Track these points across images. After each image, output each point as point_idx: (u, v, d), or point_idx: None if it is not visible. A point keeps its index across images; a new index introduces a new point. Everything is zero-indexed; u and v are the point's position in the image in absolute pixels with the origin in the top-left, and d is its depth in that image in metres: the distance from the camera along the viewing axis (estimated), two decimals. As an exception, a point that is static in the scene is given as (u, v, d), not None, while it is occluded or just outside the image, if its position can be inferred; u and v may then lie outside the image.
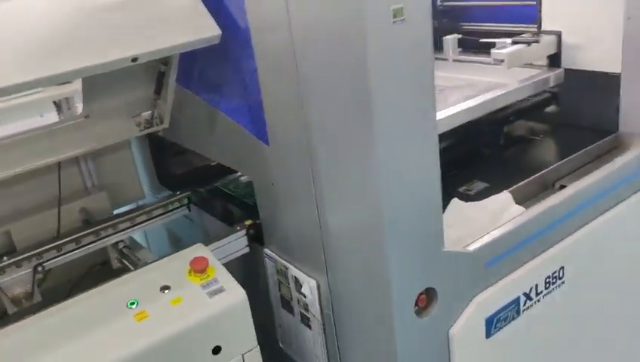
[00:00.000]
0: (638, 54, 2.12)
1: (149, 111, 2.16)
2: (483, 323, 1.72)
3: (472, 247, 1.65)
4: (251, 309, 1.64)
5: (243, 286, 1.64)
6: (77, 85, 2.11)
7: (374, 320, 1.58)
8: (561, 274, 1.92)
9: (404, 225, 1.45)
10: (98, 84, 1.95)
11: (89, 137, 2.09)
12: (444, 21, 2.83)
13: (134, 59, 1.53)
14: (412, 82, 1.35)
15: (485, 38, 2.52)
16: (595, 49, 2.24)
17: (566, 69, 2.35)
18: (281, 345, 2.07)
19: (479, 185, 2.09)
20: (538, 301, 1.87)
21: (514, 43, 2.32)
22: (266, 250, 1.92)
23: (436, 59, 2.61)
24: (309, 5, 1.35)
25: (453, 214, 1.80)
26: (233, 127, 1.84)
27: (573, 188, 1.92)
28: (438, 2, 2.80)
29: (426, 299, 1.58)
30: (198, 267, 1.64)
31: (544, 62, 2.38)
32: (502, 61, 2.24)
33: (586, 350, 2.12)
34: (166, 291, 1.61)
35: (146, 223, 2.16)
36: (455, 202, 1.84)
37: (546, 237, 1.85)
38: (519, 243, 1.77)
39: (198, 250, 1.73)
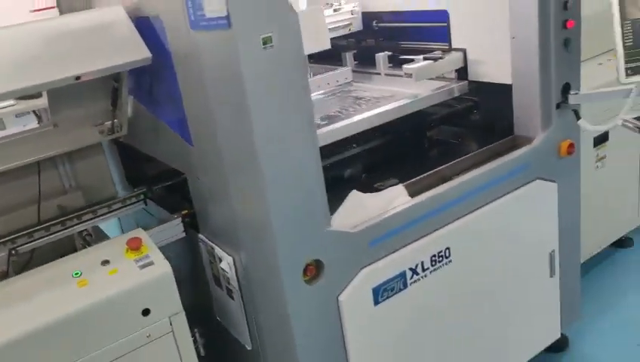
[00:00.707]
0: (523, 68, 2.47)
1: (110, 121, 2.56)
2: (370, 292, 2.08)
3: (355, 228, 2.01)
4: (198, 288, 2.00)
5: (193, 269, 2.00)
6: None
7: (271, 288, 1.94)
8: (447, 254, 2.27)
9: (288, 210, 1.81)
10: (62, 98, 2.35)
11: (59, 142, 2.49)
12: (380, 40, 3.19)
13: (77, 78, 1.92)
14: (287, 96, 1.73)
15: (411, 54, 2.87)
16: (492, 63, 2.60)
17: (472, 81, 2.70)
18: (217, 318, 2.44)
19: (392, 182, 2.43)
20: (425, 276, 2.22)
21: (425, 59, 2.68)
22: (200, 235, 2.30)
23: (371, 73, 3.02)
24: (206, 38, 1.73)
25: (351, 202, 2.16)
26: (170, 133, 2.23)
27: (456, 181, 2.27)
28: (374, 24, 3.17)
29: (315, 269, 1.94)
30: (133, 245, 2.02)
31: (453, 75, 2.73)
32: (411, 75, 2.61)
33: (470, 322, 2.45)
34: (106, 264, 1.99)
35: (107, 215, 2.55)
36: (354, 193, 2.20)
37: (431, 221, 2.21)
38: (402, 226, 2.12)
39: (137, 234, 2.11)
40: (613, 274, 3.59)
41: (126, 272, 1.96)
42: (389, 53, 3.01)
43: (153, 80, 2.24)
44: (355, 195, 2.19)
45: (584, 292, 3.37)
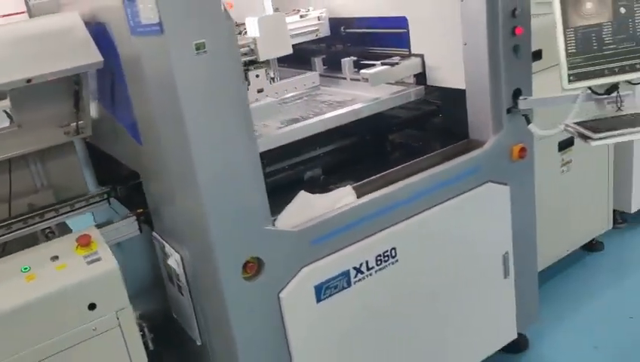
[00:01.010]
0: (475, 73, 2.52)
1: (75, 122, 2.64)
2: (312, 289, 2.14)
3: (296, 228, 2.07)
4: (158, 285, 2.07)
5: (153, 266, 2.05)
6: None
7: (212, 285, 2.01)
8: (393, 254, 2.33)
9: (224, 210, 1.89)
10: (24, 99, 2.43)
11: (23, 142, 2.57)
12: (348, 45, 3.26)
13: (28, 80, 2.01)
14: (222, 100, 1.80)
15: (377, 59, 2.93)
16: (448, 69, 2.66)
17: (434, 86, 2.76)
18: (174, 315, 2.51)
19: (347, 183, 2.50)
20: (370, 275, 2.28)
21: (383, 64, 2.75)
22: (154, 233, 2.37)
23: (338, 77, 3.08)
24: (143, 44, 1.81)
25: (299, 202, 2.23)
26: (125, 134, 2.30)
27: (403, 182, 2.33)
28: (342, 30, 3.23)
29: (256, 266, 2.01)
30: (83, 242, 2.10)
31: (412, 80, 2.80)
32: (367, 80, 2.68)
33: (420, 321, 2.50)
34: (55, 260, 2.07)
35: (69, 214, 2.62)
36: (302, 193, 2.27)
37: (377, 221, 2.27)
38: (346, 226, 2.19)
39: (89, 231, 2.19)
40: (580, 277, 3.63)
41: (73, 267, 2.04)
42: (355, 58, 3.07)
43: (110, 83, 2.32)
44: (302, 196, 2.26)
45: (550, 295, 3.45)
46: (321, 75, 3.18)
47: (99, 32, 2.14)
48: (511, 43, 2.44)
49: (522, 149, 2.61)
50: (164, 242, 2.28)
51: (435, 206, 2.43)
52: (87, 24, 2.18)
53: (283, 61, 3.51)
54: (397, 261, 2.34)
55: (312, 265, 2.13)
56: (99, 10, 2.11)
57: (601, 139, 2.15)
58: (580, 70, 2.27)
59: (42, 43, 2.10)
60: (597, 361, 2.96)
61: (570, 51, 2.26)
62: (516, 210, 2.69)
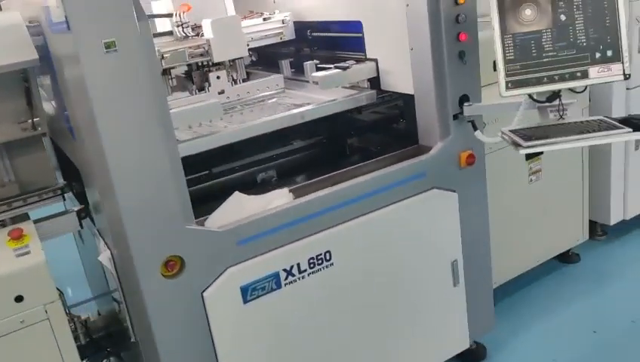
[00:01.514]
0: (421, 78, 2.51)
1: (31, 119, 2.70)
2: (238, 290, 2.15)
3: (221, 228, 2.09)
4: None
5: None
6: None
7: (133, 282, 2.03)
8: (327, 257, 2.32)
9: (140, 208, 1.91)
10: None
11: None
12: (315, 49, 3.27)
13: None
14: (136, 99, 1.82)
15: (339, 62, 2.93)
16: (399, 74, 2.65)
17: (384, 90, 2.75)
18: (117, 310, 2.54)
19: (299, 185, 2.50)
20: (302, 277, 2.28)
21: (336, 68, 2.75)
22: (94, 230, 2.41)
23: (302, 81, 3.09)
24: (59, 41, 1.85)
25: (231, 203, 2.24)
26: (64, 128, 2.35)
27: (340, 186, 2.33)
28: (308, 33, 3.24)
29: (178, 265, 2.03)
30: (14, 235, 2.14)
31: (366, 84, 2.79)
32: (316, 83, 2.68)
33: (360, 327, 2.48)
34: (-14, 252, 2.11)
35: (22, 208, 2.67)
36: (236, 194, 2.28)
37: (310, 224, 2.26)
38: (276, 227, 2.19)
39: (25, 225, 2.24)
40: (551, 288, 3.56)
41: (1, 260, 2.08)
42: (317, 61, 3.07)
43: (52, 80, 2.37)
44: (235, 196, 2.27)
45: (517, 305, 3.40)
46: (289, 79, 3.19)
47: (38, 31, 2.19)
48: (456, 49, 2.42)
49: (470, 156, 2.58)
50: (100, 239, 2.31)
51: (375, 210, 2.41)
52: (30, 23, 2.23)
53: (257, 64, 3.57)
54: (332, 264, 2.34)
55: (238, 266, 2.14)
56: (35, 9, 2.16)
57: (530, 147, 2.11)
58: (518, 77, 2.24)
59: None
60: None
61: (508, 58, 2.23)
62: (466, 217, 2.66)
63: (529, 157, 3.30)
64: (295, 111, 2.55)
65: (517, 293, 3.54)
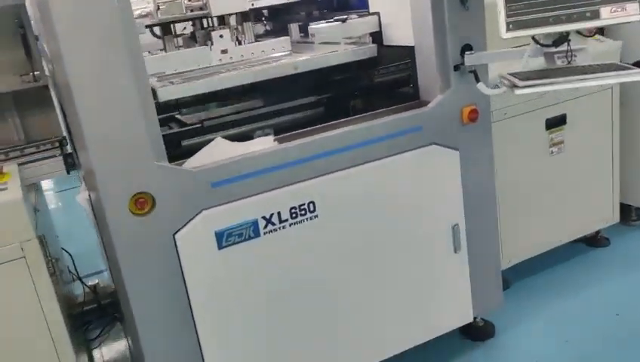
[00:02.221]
0: (421, 28, 2.38)
1: (31, 72, 2.72)
2: (212, 234, 2.06)
3: (195, 168, 2.01)
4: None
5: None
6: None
7: (103, 218, 1.98)
8: (311, 208, 2.21)
9: (108, 142, 1.85)
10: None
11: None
12: (324, 11, 3.18)
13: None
14: (101, 28, 1.77)
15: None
16: (401, 26, 2.52)
17: (387, 45, 2.63)
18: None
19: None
20: (283, 227, 2.17)
21: (335, 21, 2.65)
22: (80, 175, 2.38)
23: (309, 42, 2.98)
24: None
25: (212, 147, 2.17)
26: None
27: (325, 134, 2.21)
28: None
29: (148, 202, 1.96)
30: (-6, 173, 2.14)
31: (368, 39, 2.67)
32: (314, 35, 2.58)
33: (345, 287, 2.36)
34: (-34, 187, 2.11)
35: (19, 158, 2.68)
36: (217, 139, 2.21)
37: (293, 171, 2.16)
38: (254, 172, 2.10)
39: (8, 165, 2.23)
40: (575, 271, 3.33)
41: (-22, 194, 2.08)
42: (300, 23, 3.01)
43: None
44: (217, 141, 2.20)
45: (538, 285, 3.20)
46: (297, 42, 3.11)
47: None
48: (457, -7, 2.28)
49: (473, 111, 2.42)
50: (82, 181, 2.28)
51: (365, 163, 2.29)
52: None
53: (270, 33, 3.50)
54: (316, 216, 2.22)
55: (213, 209, 2.06)
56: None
57: (526, 87, 1.95)
58: (520, 18, 2.08)
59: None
60: (562, 355, 2.68)
61: (508, -3, 2.07)
62: (469, 178, 2.50)
63: (549, 126, 3.09)
64: (285, 60, 2.45)
65: (538, 274, 3.33)
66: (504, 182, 3.00)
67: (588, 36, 2.14)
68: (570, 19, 2.06)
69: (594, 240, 3.55)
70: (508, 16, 2.08)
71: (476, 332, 2.84)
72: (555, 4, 2.06)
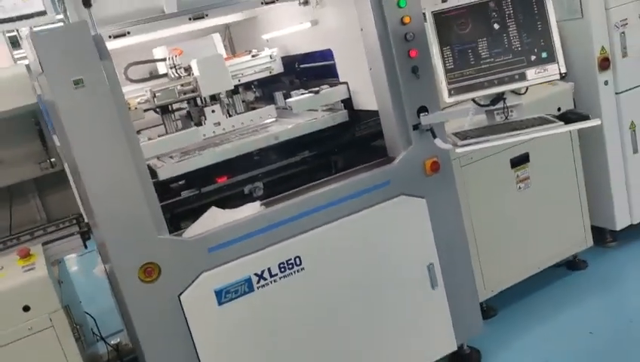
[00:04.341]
0: (381, 95, 2.73)
1: (48, 159, 3.11)
2: (212, 293, 2.39)
3: (192, 237, 2.35)
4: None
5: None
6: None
7: (118, 288, 2.31)
8: (298, 262, 2.53)
9: (116, 222, 2.20)
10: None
11: (3, 176, 3.05)
12: (304, 79, 3.55)
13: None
14: (104, 125, 2.14)
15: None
16: (367, 93, 2.87)
17: (357, 110, 2.99)
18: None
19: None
20: (274, 281, 2.50)
21: (309, 93, 3.01)
22: (96, 249, 2.73)
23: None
24: (43, 81, 2.20)
25: (207, 216, 2.51)
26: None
27: (307, 195, 2.55)
28: (296, 65, 3.53)
29: (155, 270, 2.30)
30: (22, 254, 2.49)
31: (340, 105, 3.03)
32: (291, 108, 2.95)
33: (335, 328, 2.65)
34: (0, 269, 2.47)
35: (42, 237, 3.04)
36: (212, 208, 2.55)
37: (279, 231, 2.49)
38: (245, 235, 2.43)
39: (32, 246, 2.58)
40: (555, 294, 3.60)
41: (11, 275, 2.43)
42: (284, 91, 3.37)
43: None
44: (211, 210, 2.54)
45: (520, 311, 3.47)
46: (283, 108, 3.47)
47: (37, 76, 2.58)
48: (408, 65, 2.63)
49: (434, 163, 2.75)
50: (98, 256, 2.63)
51: (343, 217, 2.61)
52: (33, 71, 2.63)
53: (261, 100, 3.87)
54: (302, 269, 2.54)
55: (212, 271, 2.39)
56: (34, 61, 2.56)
57: (464, 145, 2.28)
58: (460, 84, 2.43)
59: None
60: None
61: (448, 67, 2.43)
62: (438, 222, 2.81)
63: (514, 165, 3.41)
64: (266, 134, 2.81)
65: (522, 300, 3.59)
66: (479, 219, 3.33)
67: (522, 94, 2.46)
68: (502, 82, 2.41)
69: (573, 264, 3.82)
70: (449, 83, 2.44)
71: (463, 359, 3.11)
72: (489, 70, 2.42)
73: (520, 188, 3.45)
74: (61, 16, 2.47)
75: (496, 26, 2.41)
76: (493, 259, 3.39)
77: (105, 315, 3.71)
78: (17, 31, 2.65)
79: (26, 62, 2.92)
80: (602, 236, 3.97)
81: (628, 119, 3.72)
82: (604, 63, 3.59)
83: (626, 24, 3.59)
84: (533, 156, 3.44)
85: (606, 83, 3.63)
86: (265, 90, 3.83)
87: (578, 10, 3.56)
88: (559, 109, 3.42)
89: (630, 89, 3.69)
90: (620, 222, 3.85)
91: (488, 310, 3.50)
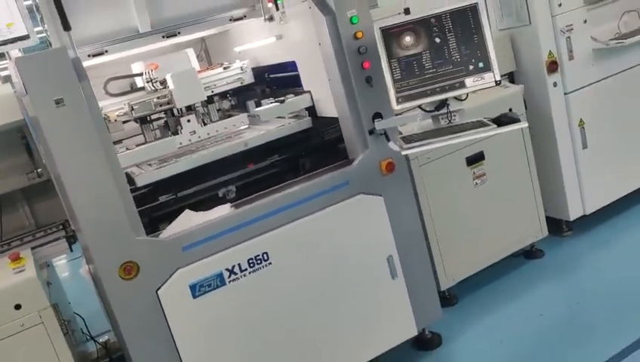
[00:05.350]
0: (339, 103, 2.99)
1: (34, 170, 3.34)
2: (187, 287, 2.64)
3: (167, 237, 2.60)
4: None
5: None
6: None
7: (101, 286, 2.56)
8: (265, 257, 2.79)
9: (98, 225, 2.44)
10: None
11: (-6, 187, 3.29)
12: (274, 88, 3.80)
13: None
14: (83, 139, 2.38)
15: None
16: (328, 101, 3.13)
17: (320, 116, 3.24)
18: (107, 318, 3.07)
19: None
20: (244, 275, 2.75)
21: (276, 102, 3.26)
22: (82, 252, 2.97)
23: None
24: (27, 101, 2.44)
25: (182, 218, 2.75)
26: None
27: (271, 197, 2.80)
28: (266, 75, 3.78)
29: (134, 269, 2.54)
30: (13, 258, 2.74)
31: (305, 113, 3.29)
32: (259, 116, 3.20)
33: (303, 317, 2.90)
34: (-8, 272, 2.71)
35: (32, 242, 3.27)
36: (186, 211, 2.79)
37: (246, 230, 2.74)
38: (215, 234, 2.68)
39: (22, 250, 2.82)
40: (513, 282, 3.87)
41: (2, 276, 2.67)
42: (256, 100, 3.60)
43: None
44: (185, 213, 2.79)
45: (480, 298, 3.74)
46: (254, 116, 3.71)
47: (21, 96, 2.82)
48: (362, 75, 2.89)
49: (389, 164, 3.01)
50: (83, 255, 2.87)
51: (306, 215, 2.87)
52: (18, 91, 2.87)
53: (236, 108, 4.11)
54: (270, 264, 2.80)
55: (186, 268, 2.64)
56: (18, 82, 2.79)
57: (408, 148, 2.54)
58: (406, 93, 2.70)
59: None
60: (496, 352, 3.22)
61: (396, 78, 2.70)
62: (396, 217, 3.07)
63: (470, 163, 3.68)
64: (238, 140, 3.06)
65: (482, 288, 3.87)
66: (438, 214, 3.60)
67: (463, 100, 2.71)
68: (443, 90, 2.68)
69: (530, 253, 4.10)
70: (397, 92, 2.70)
71: (425, 343, 3.38)
72: (432, 79, 2.69)
73: (476, 184, 3.72)
74: (43, 35, 2.71)
75: (437, 40, 2.67)
76: (453, 250, 3.66)
77: (93, 316, 3.95)
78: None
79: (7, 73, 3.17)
80: (559, 226, 4.25)
81: (577, 117, 4.00)
82: (553, 66, 3.87)
83: (572, 29, 3.86)
84: (487, 154, 3.71)
85: (555, 84, 3.90)
86: (240, 98, 4.07)
87: (526, 17, 3.83)
88: (510, 110, 3.68)
89: (577, 89, 3.97)
90: (573, 213, 4.13)
91: (450, 298, 3.77)
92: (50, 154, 2.36)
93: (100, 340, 3.89)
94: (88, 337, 3.88)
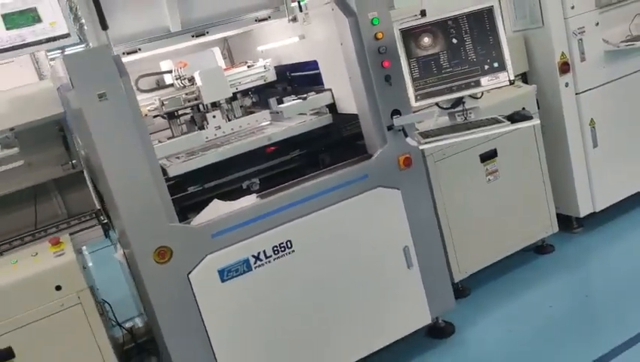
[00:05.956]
0: (360, 100, 3.14)
1: (70, 161, 3.53)
2: (216, 272, 2.81)
3: (198, 225, 2.77)
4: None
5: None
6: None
7: (137, 269, 2.73)
8: (289, 245, 2.95)
9: (135, 212, 2.62)
10: (28, 145, 3.34)
11: (31, 177, 3.47)
12: (295, 86, 3.96)
13: (12, 129, 2.88)
14: (124, 130, 2.56)
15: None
16: (347, 99, 3.28)
17: (341, 113, 3.40)
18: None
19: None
20: (269, 261, 2.92)
21: (298, 99, 3.43)
22: (116, 239, 3.15)
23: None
24: (71, 96, 2.62)
25: (210, 207, 2.93)
26: (93, 164, 3.13)
27: (297, 188, 2.97)
28: (287, 74, 3.94)
29: (167, 253, 2.72)
30: (53, 242, 2.92)
31: (325, 110, 3.45)
32: (282, 112, 3.37)
33: (320, 302, 3.06)
34: (35, 255, 2.89)
35: (67, 229, 3.46)
36: (214, 201, 2.97)
37: (272, 219, 2.91)
38: (243, 222, 2.85)
39: (62, 235, 3.01)
40: (524, 276, 4.00)
41: (44, 259, 2.86)
42: (278, 97, 3.75)
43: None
44: (214, 202, 2.96)
45: (493, 290, 3.88)
46: (276, 113, 3.88)
47: (64, 91, 3.01)
48: (382, 74, 3.04)
49: (407, 159, 3.16)
50: (118, 244, 3.05)
51: (328, 206, 3.03)
52: (61, 86, 3.05)
53: (257, 105, 4.28)
54: (293, 251, 2.96)
55: (215, 253, 2.81)
56: (60, 78, 2.98)
57: (425, 143, 2.70)
58: (424, 90, 2.86)
59: (18, 101, 2.99)
60: (505, 340, 3.37)
61: (415, 76, 2.86)
62: (412, 210, 3.23)
63: (483, 160, 3.82)
64: (261, 135, 3.23)
65: (494, 281, 4.01)
66: (452, 208, 3.74)
67: (478, 98, 2.85)
68: (460, 88, 2.83)
69: (541, 248, 4.23)
70: (415, 90, 2.86)
71: (439, 331, 3.53)
72: (448, 78, 2.84)
73: (489, 180, 3.86)
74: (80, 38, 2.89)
75: (454, 41, 2.83)
76: (466, 244, 3.81)
77: (118, 305, 4.13)
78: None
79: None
80: (569, 223, 4.38)
81: (588, 117, 4.13)
82: (565, 67, 4.00)
83: (584, 31, 4.00)
84: (500, 151, 3.85)
85: (567, 85, 4.04)
86: (261, 95, 4.24)
87: (539, 19, 3.97)
88: (523, 108, 3.81)
89: (589, 90, 4.10)
90: (584, 210, 4.26)
91: (463, 290, 3.92)
92: (93, 144, 2.53)
93: (126, 326, 4.07)
94: (114, 323, 4.06)
